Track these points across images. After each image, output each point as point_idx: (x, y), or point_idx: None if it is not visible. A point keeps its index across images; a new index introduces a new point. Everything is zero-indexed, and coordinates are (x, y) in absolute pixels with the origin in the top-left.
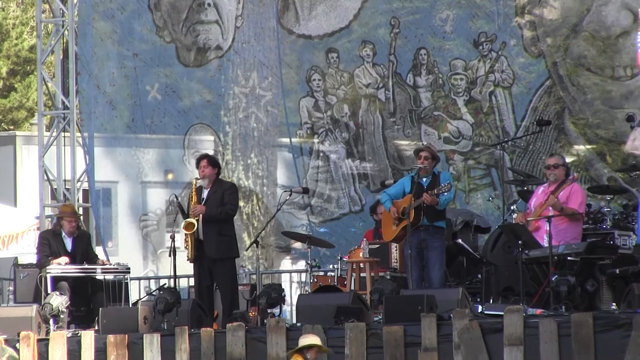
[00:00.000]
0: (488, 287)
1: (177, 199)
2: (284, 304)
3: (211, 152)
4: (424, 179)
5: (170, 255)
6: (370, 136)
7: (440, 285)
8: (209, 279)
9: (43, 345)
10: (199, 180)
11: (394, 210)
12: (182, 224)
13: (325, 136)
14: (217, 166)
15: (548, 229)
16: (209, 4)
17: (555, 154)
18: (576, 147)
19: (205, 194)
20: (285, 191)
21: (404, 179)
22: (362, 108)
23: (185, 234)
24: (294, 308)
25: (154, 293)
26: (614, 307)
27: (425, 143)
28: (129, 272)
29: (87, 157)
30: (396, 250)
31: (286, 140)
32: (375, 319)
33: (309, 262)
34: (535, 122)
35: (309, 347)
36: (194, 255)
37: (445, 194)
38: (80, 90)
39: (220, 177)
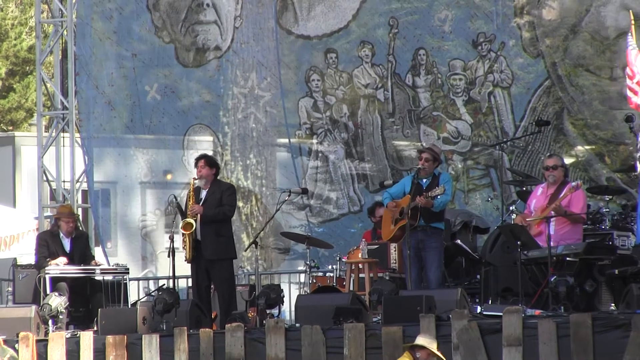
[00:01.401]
0: (487, 287)
1: (176, 199)
2: (282, 304)
3: (210, 153)
4: (424, 180)
5: (169, 256)
6: (369, 136)
7: (439, 286)
8: (206, 280)
9: (42, 346)
10: (197, 181)
11: (392, 205)
12: (181, 224)
13: (324, 137)
14: (215, 166)
15: (548, 231)
16: (207, 5)
17: (554, 155)
18: (575, 147)
19: (203, 194)
20: (284, 192)
21: (405, 178)
22: (361, 108)
23: (183, 234)
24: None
25: (152, 294)
26: (612, 307)
27: (424, 144)
28: (128, 273)
29: (86, 157)
30: (395, 251)
31: (285, 140)
32: (374, 319)
33: (308, 262)
34: (534, 123)
35: (421, 347)
36: (192, 255)
37: (439, 197)
38: (79, 90)
39: (218, 177)
